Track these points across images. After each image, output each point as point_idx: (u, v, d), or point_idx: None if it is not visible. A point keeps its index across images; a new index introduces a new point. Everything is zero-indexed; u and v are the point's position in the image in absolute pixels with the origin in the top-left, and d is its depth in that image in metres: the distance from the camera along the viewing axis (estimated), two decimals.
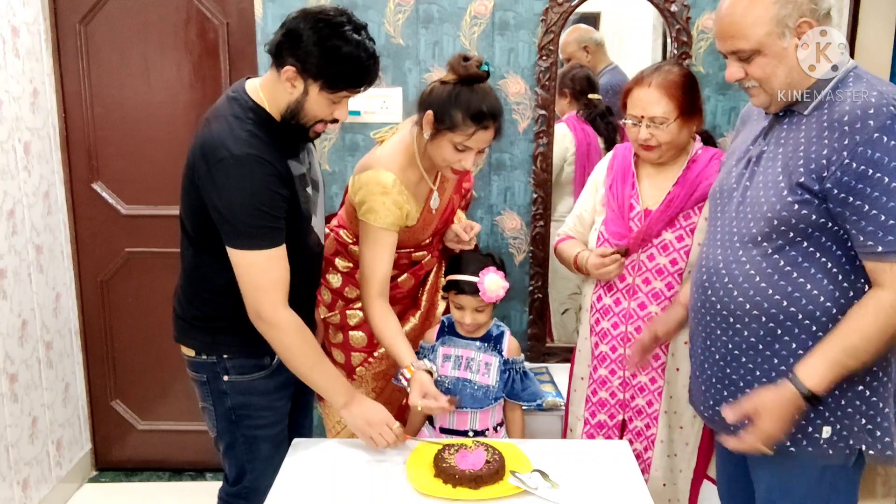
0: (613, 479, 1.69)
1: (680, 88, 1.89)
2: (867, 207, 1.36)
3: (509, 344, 2.01)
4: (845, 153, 1.36)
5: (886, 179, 1.34)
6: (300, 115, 1.65)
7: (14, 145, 2.52)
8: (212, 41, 2.75)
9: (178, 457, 3.05)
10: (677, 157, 1.98)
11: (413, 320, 2.18)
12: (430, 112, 1.84)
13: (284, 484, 1.68)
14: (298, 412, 2.01)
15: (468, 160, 1.87)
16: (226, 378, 1.80)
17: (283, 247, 1.68)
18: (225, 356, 1.79)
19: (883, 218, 1.35)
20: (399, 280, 2.13)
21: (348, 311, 2.16)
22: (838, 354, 1.41)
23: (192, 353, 1.83)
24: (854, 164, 1.36)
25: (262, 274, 1.65)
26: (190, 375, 1.87)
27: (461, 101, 1.81)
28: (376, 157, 1.98)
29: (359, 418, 1.76)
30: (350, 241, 2.11)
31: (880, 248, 1.36)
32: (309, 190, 1.79)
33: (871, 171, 1.35)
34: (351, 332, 2.17)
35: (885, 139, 1.33)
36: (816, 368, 1.42)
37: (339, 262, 2.15)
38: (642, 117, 1.89)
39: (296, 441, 1.86)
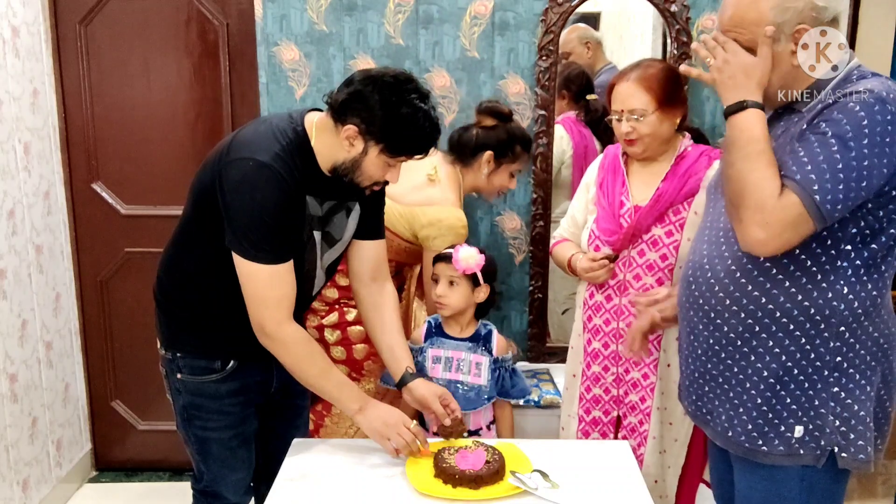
0: (613, 479, 1.69)
1: (658, 81, 1.91)
2: (798, 147, 1.37)
3: (498, 342, 2.05)
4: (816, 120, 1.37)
5: (829, 132, 1.33)
6: (355, 173, 1.64)
7: (14, 145, 2.52)
8: (212, 42, 2.75)
9: (178, 457, 3.02)
10: (663, 151, 1.99)
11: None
12: (488, 152, 2.22)
13: (284, 484, 1.68)
14: (282, 426, 1.97)
15: (514, 180, 2.33)
16: (178, 376, 1.81)
17: (290, 264, 1.66)
18: (178, 354, 1.80)
19: (801, 154, 1.35)
20: None
21: (346, 309, 2.19)
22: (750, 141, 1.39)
23: (158, 344, 1.85)
24: (816, 120, 1.37)
25: (266, 289, 1.64)
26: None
27: (516, 137, 2.25)
28: (444, 196, 2.22)
29: (375, 421, 1.73)
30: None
31: (782, 171, 1.37)
32: (316, 234, 1.74)
33: (822, 125, 1.35)
34: (349, 328, 2.19)
35: (857, 108, 1.33)
36: (759, 115, 1.41)
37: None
38: (622, 111, 1.93)
39: (296, 441, 1.86)
